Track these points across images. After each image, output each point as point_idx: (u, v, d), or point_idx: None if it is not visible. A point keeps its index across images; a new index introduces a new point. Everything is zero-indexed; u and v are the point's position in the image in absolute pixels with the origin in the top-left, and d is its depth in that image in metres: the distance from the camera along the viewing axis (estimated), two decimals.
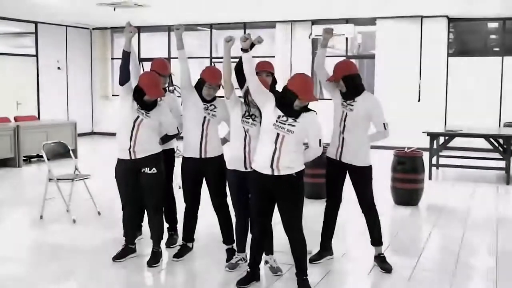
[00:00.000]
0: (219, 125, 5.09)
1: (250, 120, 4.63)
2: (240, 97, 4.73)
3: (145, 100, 4.91)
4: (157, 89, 4.89)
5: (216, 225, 5.26)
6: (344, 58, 14.37)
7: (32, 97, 15.26)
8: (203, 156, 4.99)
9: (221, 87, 4.96)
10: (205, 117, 4.96)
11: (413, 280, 4.80)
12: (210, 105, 4.99)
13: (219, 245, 5.36)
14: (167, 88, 5.69)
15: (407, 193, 7.67)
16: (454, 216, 7.15)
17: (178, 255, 5.28)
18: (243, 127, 4.64)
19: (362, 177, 4.99)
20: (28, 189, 9.10)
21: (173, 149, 5.68)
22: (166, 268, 5.12)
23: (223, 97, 4.83)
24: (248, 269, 4.62)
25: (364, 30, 15.24)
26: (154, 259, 5.13)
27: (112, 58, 16.96)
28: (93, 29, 16.92)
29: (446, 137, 10.12)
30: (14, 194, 8.70)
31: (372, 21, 14.02)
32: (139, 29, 16.38)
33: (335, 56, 15.82)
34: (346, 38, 14.43)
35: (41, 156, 11.72)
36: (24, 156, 11.25)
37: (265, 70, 4.85)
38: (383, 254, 5.14)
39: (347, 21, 13.99)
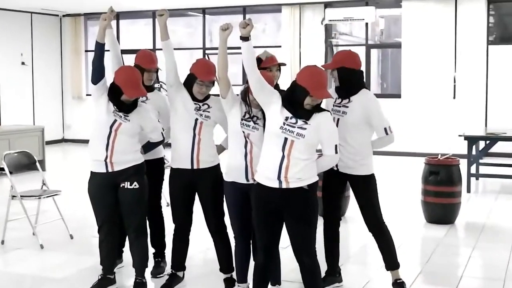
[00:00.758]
0: (214, 128, 5.10)
1: (251, 123, 4.62)
2: (238, 95, 4.74)
3: (122, 101, 4.90)
4: (136, 87, 4.88)
5: (212, 250, 5.26)
6: (364, 47, 14.43)
7: None
8: (195, 166, 4.99)
9: (215, 83, 4.97)
10: (196, 120, 4.96)
11: None
12: (203, 105, 4.99)
13: (215, 274, 5.34)
14: (154, 86, 5.71)
15: (442, 209, 7.64)
16: (498, 237, 7.12)
17: (167, 286, 5.27)
18: (243, 132, 4.64)
19: (366, 189, 5.03)
20: None
21: (162, 158, 5.68)
22: None
23: (218, 95, 4.81)
24: None
25: (388, 13, 15.30)
26: None
27: (86, 51, 17.00)
28: (64, 16, 16.97)
29: (487, 142, 10.08)
30: None
31: (397, 3, 14.04)
32: (118, 16, 16.41)
33: (353, 45, 15.87)
34: (366, 24, 14.43)
35: (2, 169, 11.76)
36: None
37: (275, 64, 4.91)
38: (401, 279, 5.12)
39: (367, 3, 14.01)
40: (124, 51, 17.71)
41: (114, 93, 4.89)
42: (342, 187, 5.13)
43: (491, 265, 6.11)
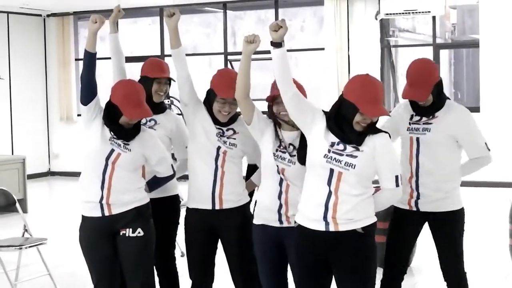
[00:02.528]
0: (242, 159, 5.11)
1: (287, 155, 4.62)
2: (266, 114, 4.74)
3: (121, 124, 4.90)
4: (138, 105, 4.86)
5: None
6: (431, 47, 14.43)
7: None
8: (217, 207, 5.00)
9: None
10: (219, 148, 4.96)
11: None
12: (227, 130, 5.00)
13: None
14: (164, 104, 5.72)
15: None
16: None
17: None
18: (277, 166, 4.65)
19: (454, 227, 5.04)
20: None
21: (176, 196, 5.68)
22: None
23: None
24: None
25: (461, 3, 15.29)
26: None
27: (77, 59, 17.15)
28: (48, 15, 17.19)
29: None
30: None
31: None
32: None
33: (417, 45, 15.88)
34: (434, 18, 14.42)
35: None
36: None
37: None
38: None
39: None
40: (125, 59, 17.84)
41: (110, 115, 4.89)
42: (418, 231, 5.11)
43: None
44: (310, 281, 4.38)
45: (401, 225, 5.08)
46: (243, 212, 5.06)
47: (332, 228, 4.21)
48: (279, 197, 4.64)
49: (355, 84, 4.26)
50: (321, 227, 4.22)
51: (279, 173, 4.62)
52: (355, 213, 4.20)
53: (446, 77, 16.47)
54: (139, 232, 4.96)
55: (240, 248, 5.03)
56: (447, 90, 16.49)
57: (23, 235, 7.18)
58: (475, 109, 13.84)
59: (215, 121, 4.99)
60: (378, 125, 4.36)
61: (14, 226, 6.40)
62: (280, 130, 4.65)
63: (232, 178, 4.99)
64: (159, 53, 16.09)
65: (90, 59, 5.05)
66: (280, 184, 4.63)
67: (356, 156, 4.17)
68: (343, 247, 4.24)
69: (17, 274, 7.28)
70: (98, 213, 4.93)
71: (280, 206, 4.65)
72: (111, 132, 4.91)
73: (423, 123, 4.95)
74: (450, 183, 4.96)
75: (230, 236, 5.08)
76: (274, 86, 4.58)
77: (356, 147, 4.19)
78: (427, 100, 4.92)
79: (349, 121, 4.18)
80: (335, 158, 4.19)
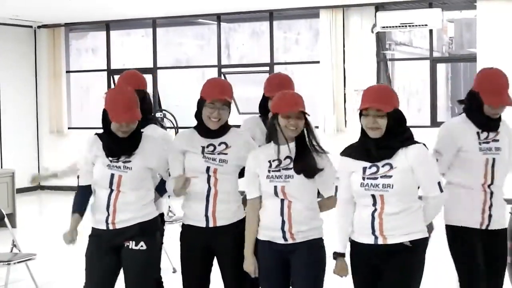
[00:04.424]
0: (237, 172, 5.07)
1: (282, 173, 4.65)
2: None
3: (117, 140, 4.91)
4: (126, 110, 4.84)
5: None
6: (427, 61, 14.47)
7: None
8: (211, 224, 4.99)
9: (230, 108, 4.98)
10: (208, 168, 4.93)
11: None
12: (220, 144, 4.95)
13: None
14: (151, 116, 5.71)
15: None
16: None
17: None
18: (274, 187, 4.66)
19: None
20: None
21: (162, 214, 5.68)
22: None
23: (238, 126, 4.93)
24: None
25: (458, 17, 15.35)
26: None
27: (68, 71, 17.19)
28: (39, 27, 17.21)
29: None
30: None
31: (470, 3, 14.11)
32: (108, 27, 16.63)
33: (414, 59, 15.91)
34: (431, 31, 14.47)
35: None
36: None
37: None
38: None
39: (431, 4, 14.08)
40: (117, 71, 18.02)
41: (104, 125, 4.91)
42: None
43: None
44: None
45: (470, 245, 5.08)
46: (240, 228, 4.97)
47: (380, 242, 4.39)
48: (282, 215, 4.67)
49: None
50: (370, 241, 4.41)
51: (277, 195, 4.65)
52: (402, 228, 4.38)
53: (443, 91, 16.51)
54: (141, 246, 4.97)
55: (236, 264, 4.98)
56: (444, 105, 16.53)
57: (11, 251, 7.17)
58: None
59: (206, 134, 4.97)
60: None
61: (3, 241, 6.37)
62: (275, 145, 4.68)
63: (225, 197, 4.97)
64: (151, 65, 16.14)
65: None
66: (282, 202, 4.66)
67: (390, 176, 4.32)
68: (390, 260, 4.40)
69: None
70: (103, 227, 4.98)
71: (283, 223, 4.67)
72: (109, 158, 4.93)
73: (492, 140, 4.99)
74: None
75: (225, 253, 5.05)
76: (280, 100, 4.66)
77: (390, 164, 4.33)
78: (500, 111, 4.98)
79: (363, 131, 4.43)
80: (371, 184, 4.36)
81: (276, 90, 4.99)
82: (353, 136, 4.71)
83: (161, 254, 5.63)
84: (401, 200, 4.35)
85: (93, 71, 17.58)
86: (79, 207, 5.11)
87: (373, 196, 4.36)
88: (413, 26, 14.08)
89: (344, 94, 14.67)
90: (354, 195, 4.51)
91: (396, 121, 4.40)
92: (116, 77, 16.25)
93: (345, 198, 4.58)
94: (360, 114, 4.39)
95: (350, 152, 4.52)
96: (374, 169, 4.36)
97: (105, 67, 16.91)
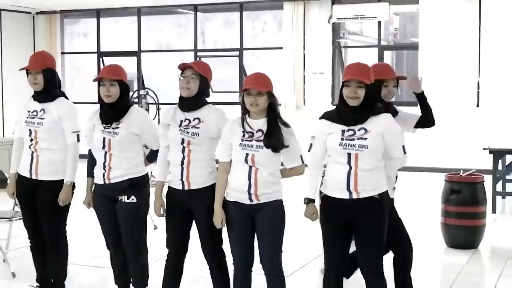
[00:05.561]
0: (209, 144, 5.05)
1: (254, 143, 4.69)
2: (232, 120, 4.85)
3: (105, 106, 5.18)
4: (111, 68, 5.23)
5: (207, 279, 5.30)
6: (376, 48, 14.51)
7: None
8: (186, 187, 5.02)
9: (205, 82, 5.02)
10: (183, 140, 4.97)
11: None
12: (194, 119, 4.98)
13: None
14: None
15: (464, 232, 7.68)
16: None
17: None
18: (246, 154, 4.71)
19: None
20: None
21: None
22: None
23: (215, 104, 5.03)
24: None
25: (403, 10, 15.38)
26: None
27: (63, 53, 17.06)
28: (37, 13, 17.02)
29: None
30: None
31: None
32: (99, 14, 16.50)
33: (364, 47, 15.96)
34: (379, 22, 14.52)
35: None
36: None
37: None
38: None
39: None
40: (106, 53, 17.84)
41: (100, 102, 5.23)
42: None
43: None
44: (335, 239, 4.69)
45: None
46: (210, 192, 5.00)
47: (354, 196, 4.53)
48: (249, 179, 4.71)
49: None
50: (345, 196, 4.55)
51: (247, 162, 4.70)
52: (371, 184, 4.55)
53: None
54: (132, 199, 5.22)
55: (210, 223, 4.98)
56: None
57: (13, 208, 7.14)
58: (414, 103, 13.86)
59: (184, 108, 5.04)
60: None
61: (5, 201, 6.35)
62: (247, 119, 4.75)
63: (197, 165, 5.01)
64: (136, 49, 16.07)
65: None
66: (250, 169, 4.71)
67: (366, 138, 4.48)
68: (362, 211, 4.56)
69: (8, 243, 7.26)
70: (101, 182, 5.25)
71: (250, 186, 4.72)
72: (103, 125, 5.20)
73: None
74: None
75: (200, 213, 5.07)
76: (247, 79, 4.75)
77: (364, 128, 4.49)
78: None
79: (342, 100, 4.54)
80: (349, 144, 4.50)
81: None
82: (311, 112, 4.85)
83: (149, 205, 5.56)
84: (372, 159, 4.52)
85: (84, 53, 17.43)
86: (92, 172, 5.38)
87: (349, 155, 4.49)
88: (364, 18, 14.11)
89: (304, 76, 14.73)
90: (331, 153, 4.62)
91: (371, 93, 4.55)
92: (105, 58, 16.35)
93: (318, 155, 4.70)
94: (342, 86, 4.54)
95: (330, 116, 4.64)
96: (351, 132, 4.51)
97: (95, 50, 16.77)
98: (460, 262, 7.18)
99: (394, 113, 5.19)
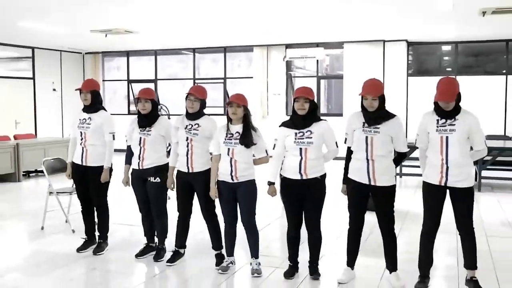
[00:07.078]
0: (205, 141, 5.06)
1: (233, 141, 4.76)
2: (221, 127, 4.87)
3: (142, 115, 5.21)
4: (146, 90, 5.23)
5: (206, 232, 5.28)
6: (315, 78, 14.55)
7: (30, 117, 15.08)
8: (190, 170, 5.04)
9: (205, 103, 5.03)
10: (187, 137, 5.02)
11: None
12: (194, 125, 5.02)
13: (208, 251, 5.38)
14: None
15: None
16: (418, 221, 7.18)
17: (171, 260, 5.30)
18: (228, 149, 4.77)
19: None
20: (29, 202, 8.97)
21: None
22: (160, 273, 5.12)
23: (210, 115, 5.06)
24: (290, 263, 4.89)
25: (333, 53, 15.45)
26: (158, 255, 5.42)
27: (103, 80, 16.86)
28: (86, 53, 16.81)
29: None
30: (16, 207, 8.58)
31: (340, 44, 14.20)
32: (128, 53, 16.36)
33: (306, 77, 16.00)
34: (317, 60, 14.58)
35: (39, 171, 11.61)
36: (23, 172, 11.11)
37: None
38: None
39: (317, 45, 14.15)
40: (133, 81, 17.54)
41: (138, 113, 5.31)
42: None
43: (410, 243, 6.16)
44: (292, 205, 4.70)
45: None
46: (207, 174, 5.02)
47: (304, 177, 4.54)
48: (231, 166, 4.76)
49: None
50: (297, 177, 4.55)
51: (228, 154, 4.72)
52: (315, 168, 4.56)
53: (323, 96, 16.61)
54: (157, 180, 5.24)
55: (205, 195, 5.04)
56: (323, 104, 16.61)
57: (72, 186, 7.03)
58: (340, 114, 14.06)
59: (189, 117, 5.03)
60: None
61: (67, 181, 6.29)
62: (229, 125, 4.79)
63: (197, 153, 5.01)
64: (153, 78, 15.94)
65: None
66: (231, 160, 4.73)
67: (311, 137, 4.50)
68: (309, 188, 4.57)
69: (69, 209, 7.20)
70: (137, 167, 5.26)
71: (231, 171, 4.75)
72: (140, 128, 5.24)
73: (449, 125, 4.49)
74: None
75: (199, 188, 5.08)
76: (231, 97, 4.74)
77: (310, 131, 4.50)
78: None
79: (294, 111, 4.56)
80: (300, 141, 4.51)
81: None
82: (272, 121, 4.86)
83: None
84: (315, 151, 4.53)
85: (118, 80, 17.27)
86: (129, 161, 5.38)
87: (301, 149, 4.50)
88: (307, 57, 14.12)
89: (267, 96, 14.73)
90: (287, 149, 4.59)
91: (313, 106, 4.54)
92: (133, 84, 16.16)
93: (279, 151, 4.67)
94: (294, 101, 4.57)
95: (286, 124, 4.64)
96: (301, 133, 4.52)
97: (126, 78, 16.62)
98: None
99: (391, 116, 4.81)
